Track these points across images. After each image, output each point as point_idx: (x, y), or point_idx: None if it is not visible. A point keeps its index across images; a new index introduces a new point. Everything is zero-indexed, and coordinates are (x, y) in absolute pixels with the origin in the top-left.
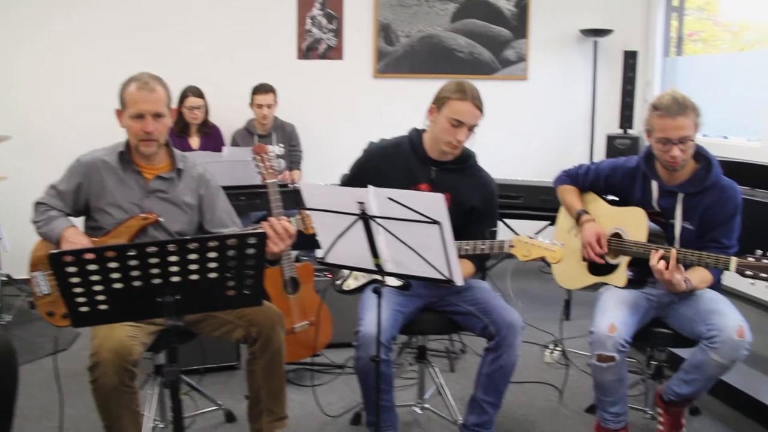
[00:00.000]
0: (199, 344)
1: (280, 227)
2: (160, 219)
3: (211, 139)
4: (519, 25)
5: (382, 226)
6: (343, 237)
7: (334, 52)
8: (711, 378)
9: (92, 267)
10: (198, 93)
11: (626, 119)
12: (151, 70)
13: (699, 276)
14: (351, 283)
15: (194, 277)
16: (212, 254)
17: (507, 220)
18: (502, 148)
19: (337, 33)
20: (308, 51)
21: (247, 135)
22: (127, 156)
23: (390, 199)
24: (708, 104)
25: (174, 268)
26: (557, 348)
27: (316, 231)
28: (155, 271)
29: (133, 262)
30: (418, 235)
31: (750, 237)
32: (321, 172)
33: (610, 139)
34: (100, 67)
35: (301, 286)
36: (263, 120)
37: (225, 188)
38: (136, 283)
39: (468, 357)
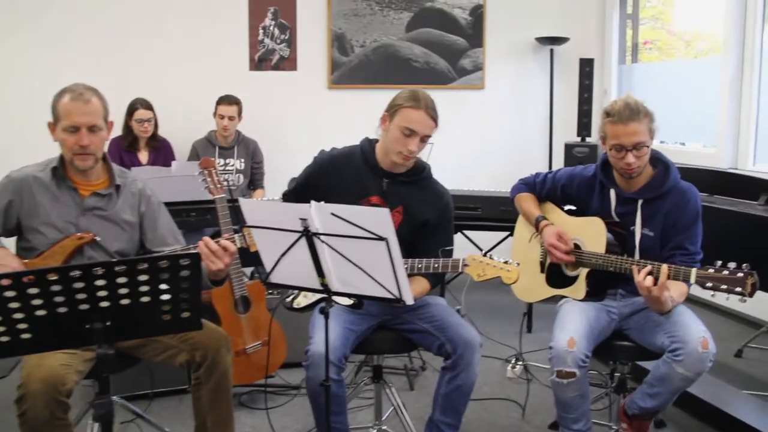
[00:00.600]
0: (147, 367)
1: (214, 245)
2: (97, 238)
3: (161, 153)
4: (475, 33)
5: (327, 244)
6: (287, 255)
7: (287, 63)
8: (676, 391)
9: (9, 293)
10: (147, 105)
11: (584, 127)
12: (97, 82)
13: (678, 290)
14: (301, 301)
15: (125, 301)
16: (143, 277)
17: (466, 232)
18: (460, 159)
19: (290, 43)
20: (261, 62)
21: (209, 145)
22: (61, 171)
23: (333, 215)
24: (664, 110)
25: (102, 293)
26: (519, 362)
27: (259, 249)
28: (81, 296)
29: (55, 287)
30: (364, 253)
31: (710, 245)
32: (274, 186)
33: (569, 148)
34: (44, 80)
35: (252, 304)
36: (224, 132)
37: (175, 204)
38: (62, 309)
39: (428, 374)
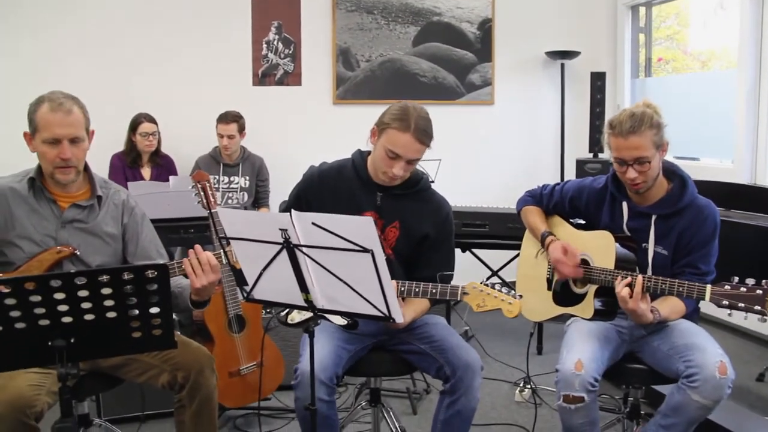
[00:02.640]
0: (138, 388)
1: (204, 256)
2: (77, 252)
3: (164, 169)
4: (483, 48)
5: (309, 256)
6: (268, 269)
7: (291, 78)
8: (693, 421)
9: None
10: (151, 119)
11: (596, 143)
12: (99, 97)
13: (669, 306)
14: (295, 316)
15: (89, 317)
16: (106, 290)
17: (475, 250)
18: (468, 176)
19: (295, 58)
20: (264, 77)
21: (212, 162)
22: (39, 182)
23: (315, 224)
24: (679, 125)
25: (63, 307)
26: (528, 386)
27: (240, 264)
28: (40, 310)
29: (9, 301)
30: (348, 266)
31: (727, 261)
32: (279, 203)
33: (580, 164)
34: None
35: (247, 324)
36: (226, 150)
37: (174, 220)
38: (19, 325)
39: (432, 397)
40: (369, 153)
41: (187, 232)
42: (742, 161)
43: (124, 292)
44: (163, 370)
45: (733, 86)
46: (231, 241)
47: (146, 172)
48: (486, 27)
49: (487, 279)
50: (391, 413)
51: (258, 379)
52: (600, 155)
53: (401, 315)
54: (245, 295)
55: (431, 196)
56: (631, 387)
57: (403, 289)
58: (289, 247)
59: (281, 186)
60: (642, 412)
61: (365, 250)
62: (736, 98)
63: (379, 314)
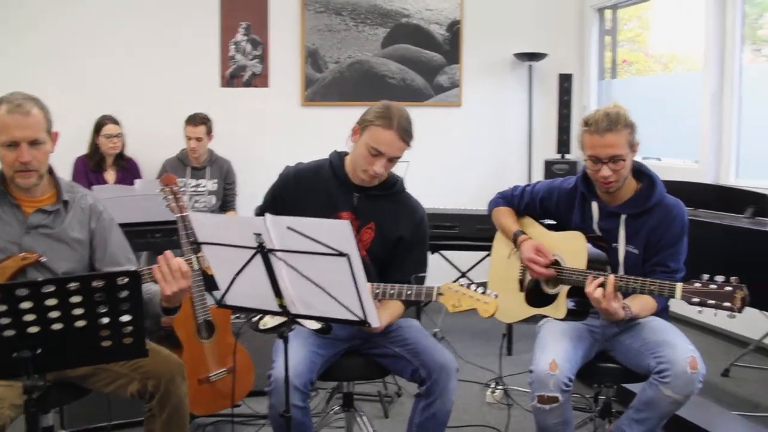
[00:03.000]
0: (104, 397)
1: (174, 262)
2: (43, 258)
3: (128, 172)
4: (452, 50)
5: (284, 261)
6: (242, 275)
7: (259, 80)
8: (664, 415)
9: None
10: (115, 121)
11: (563, 144)
12: (62, 100)
13: (640, 303)
14: (268, 321)
15: (57, 326)
16: (76, 298)
17: (444, 252)
18: (436, 177)
19: (263, 59)
20: (232, 78)
21: (180, 165)
22: (2, 187)
23: (290, 228)
24: (645, 126)
25: (29, 317)
26: (499, 387)
27: (212, 269)
28: (5, 321)
29: None
30: (324, 270)
31: (695, 260)
32: (246, 205)
33: (548, 165)
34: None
35: (217, 329)
36: (193, 153)
37: (140, 225)
38: None
39: (404, 400)
40: (346, 154)
41: (153, 237)
42: (707, 161)
43: (94, 300)
44: (132, 378)
45: (697, 88)
46: (203, 245)
47: (110, 175)
48: (454, 29)
49: (455, 281)
50: (364, 418)
51: (227, 385)
52: (567, 156)
53: (377, 319)
54: (217, 301)
55: (407, 199)
56: (603, 386)
57: (377, 291)
58: (263, 251)
59: (249, 189)
60: (613, 410)
61: (341, 254)
62: (701, 100)
63: (355, 318)
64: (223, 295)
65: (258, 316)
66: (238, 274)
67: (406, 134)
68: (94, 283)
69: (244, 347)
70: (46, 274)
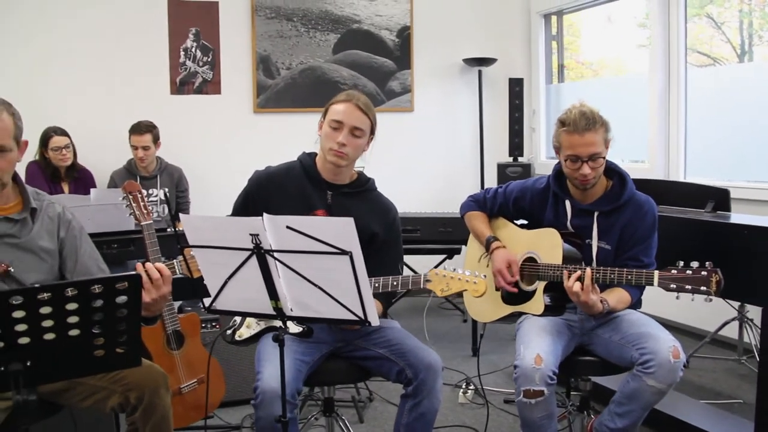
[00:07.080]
0: (69, 416)
1: (156, 273)
2: (11, 269)
3: (81, 183)
4: (402, 55)
5: (281, 262)
6: (234, 278)
7: (210, 87)
8: (647, 406)
9: None
10: (62, 132)
11: (516, 147)
12: None
13: (616, 296)
14: (244, 332)
15: (50, 336)
16: (72, 306)
17: (405, 256)
18: (392, 181)
19: (214, 66)
20: (183, 85)
21: (128, 175)
22: None
23: (289, 228)
24: None
25: (21, 327)
26: (470, 387)
27: (203, 273)
28: None
29: None
30: (323, 270)
31: (663, 255)
32: (199, 213)
33: (501, 168)
34: None
35: (186, 340)
36: (141, 162)
37: (96, 236)
38: None
39: (377, 405)
40: (316, 154)
41: (110, 248)
42: (656, 161)
43: (91, 307)
44: (112, 391)
45: (643, 90)
46: (194, 249)
47: (65, 187)
48: (405, 35)
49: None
50: (346, 422)
51: (198, 397)
52: (520, 159)
53: (377, 318)
54: (206, 307)
55: (379, 197)
56: (580, 380)
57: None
58: (260, 253)
59: (201, 196)
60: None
61: (343, 252)
62: (649, 101)
63: (354, 318)
64: (213, 300)
65: (232, 329)
66: (230, 277)
67: (365, 107)
68: (94, 289)
69: (214, 358)
70: (13, 286)
